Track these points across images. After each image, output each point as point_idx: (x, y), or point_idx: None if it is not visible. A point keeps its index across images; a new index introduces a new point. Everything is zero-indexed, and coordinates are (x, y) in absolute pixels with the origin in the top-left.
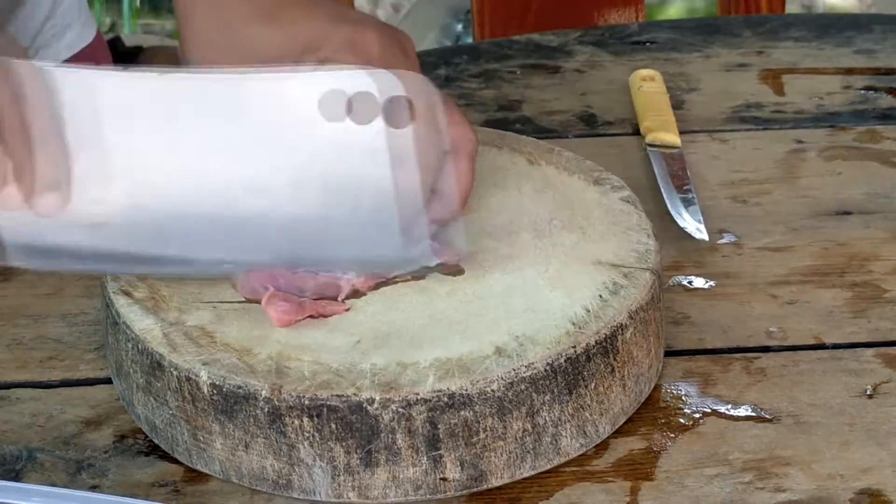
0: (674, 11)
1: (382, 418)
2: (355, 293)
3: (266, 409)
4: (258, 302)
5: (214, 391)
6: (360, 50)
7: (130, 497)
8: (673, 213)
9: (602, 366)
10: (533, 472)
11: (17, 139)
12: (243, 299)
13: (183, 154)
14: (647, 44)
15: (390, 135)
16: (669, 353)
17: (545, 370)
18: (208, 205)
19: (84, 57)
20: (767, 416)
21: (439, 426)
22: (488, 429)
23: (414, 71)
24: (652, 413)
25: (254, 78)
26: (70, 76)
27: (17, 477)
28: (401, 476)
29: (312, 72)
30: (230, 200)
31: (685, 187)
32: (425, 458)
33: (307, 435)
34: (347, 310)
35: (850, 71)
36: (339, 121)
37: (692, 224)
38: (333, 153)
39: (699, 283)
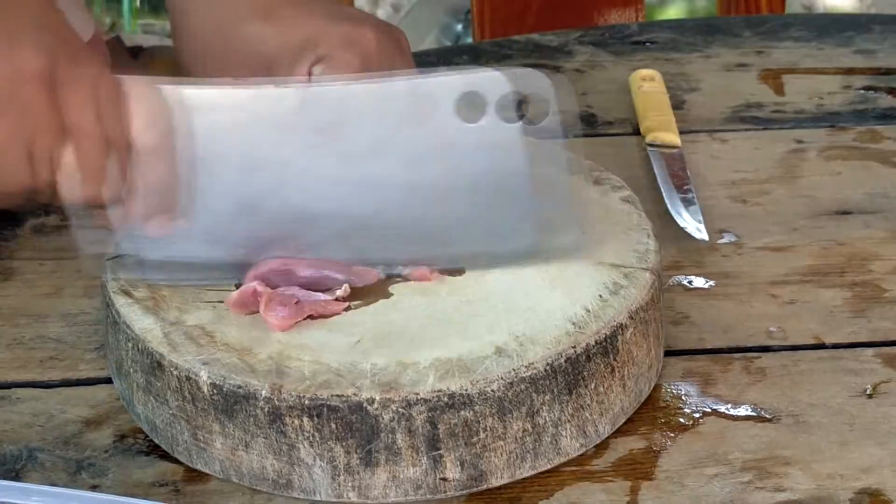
0: (674, 11)
1: (382, 418)
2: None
3: (266, 409)
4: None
5: (214, 391)
6: (358, 46)
7: (130, 497)
8: (673, 212)
9: (602, 366)
10: (533, 472)
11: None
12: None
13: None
14: (647, 44)
15: (525, 131)
16: (669, 353)
17: (545, 370)
18: (336, 205)
19: None
20: (767, 416)
21: (439, 426)
22: (488, 429)
23: (408, 66)
24: (652, 413)
25: (391, 81)
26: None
27: (17, 477)
28: (401, 476)
29: (448, 75)
30: (361, 199)
31: (685, 187)
32: (425, 458)
33: (307, 435)
34: (347, 309)
35: (850, 71)
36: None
37: (692, 224)
38: (470, 151)
39: (699, 282)
